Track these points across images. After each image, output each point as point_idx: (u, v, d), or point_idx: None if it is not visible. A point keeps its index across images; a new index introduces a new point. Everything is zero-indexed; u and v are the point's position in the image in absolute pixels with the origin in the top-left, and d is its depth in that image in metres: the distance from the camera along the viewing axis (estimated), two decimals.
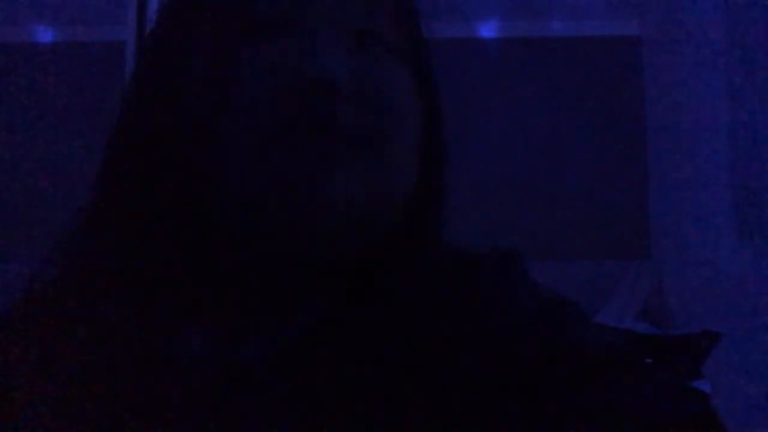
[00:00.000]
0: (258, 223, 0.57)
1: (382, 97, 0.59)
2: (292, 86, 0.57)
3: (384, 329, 0.56)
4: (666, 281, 2.27)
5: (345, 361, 0.55)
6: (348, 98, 0.57)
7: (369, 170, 0.58)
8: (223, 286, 0.59)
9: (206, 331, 0.58)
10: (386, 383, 0.54)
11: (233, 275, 0.59)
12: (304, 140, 0.56)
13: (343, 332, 0.57)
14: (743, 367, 2.02)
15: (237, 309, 0.59)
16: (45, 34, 2.46)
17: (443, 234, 0.65)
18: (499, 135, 2.43)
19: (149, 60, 0.63)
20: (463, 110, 2.44)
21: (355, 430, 0.53)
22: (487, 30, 2.46)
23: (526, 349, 0.57)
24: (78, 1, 2.49)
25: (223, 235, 0.58)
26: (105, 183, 0.62)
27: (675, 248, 2.27)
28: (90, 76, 2.38)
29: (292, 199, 0.56)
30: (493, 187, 2.39)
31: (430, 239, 0.64)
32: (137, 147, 0.60)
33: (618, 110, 2.41)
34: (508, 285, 0.63)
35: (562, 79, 2.44)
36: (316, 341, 0.57)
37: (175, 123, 0.59)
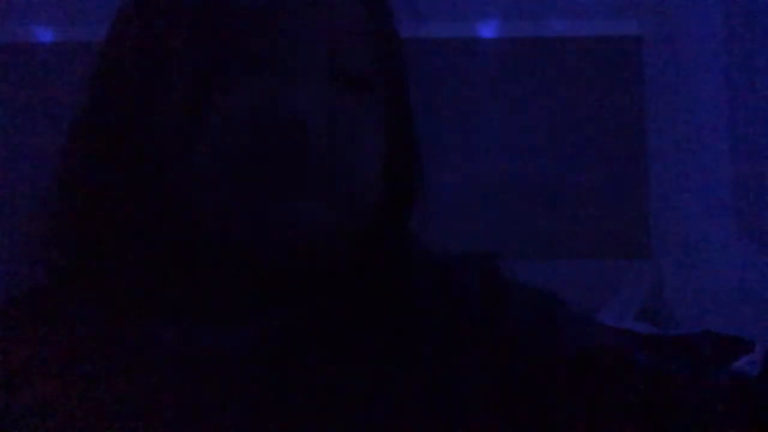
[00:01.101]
0: (224, 243, 0.59)
1: (351, 132, 0.61)
2: (264, 125, 0.58)
3: (358, 326, 0.59)
4: (666, 281, 2.27)
5: (318, 353, 0.57)
6: (319, 136, 0.58)
7: (333, 200, 0.60)
8: (195, 282, 0.60)
9: (178, 321, 0.59)
10: (358, 376, 0.56)
11: (205, 273, 0.60)
12: (272, 175, 0.58)
13: (317, 326, 0.58)
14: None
15: (209, 301, 0.60)
16: (45, 34, 2.46)
17: (419, 238, 0.68)
18: (499, 135, 2.43)
19: (119, 71, 0.63)
20: (463, 110, 2.44)
21: (328, 420, 0.54)
22: (487, 30, 2.46)
23: (505, 349, 0.59)
24: (78, 1, 2.49)
25: (191, 244, 0.59)
26: (69, 186, 0.63)
27: (675, 248, 2.27)
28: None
29: (256, 228, 0.58)
30: (492, 187, 2.39)
31: (402, 243, 0.67)
32: (103, 154, 0.61)
33: (618, 110, 2.41)
34: (480, 286, 0.65)
35: (562, 79, 2.44)
36: (291, 333, 0.59)
37: (145, 140, 0.60)
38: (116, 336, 0.58)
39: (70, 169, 0.63)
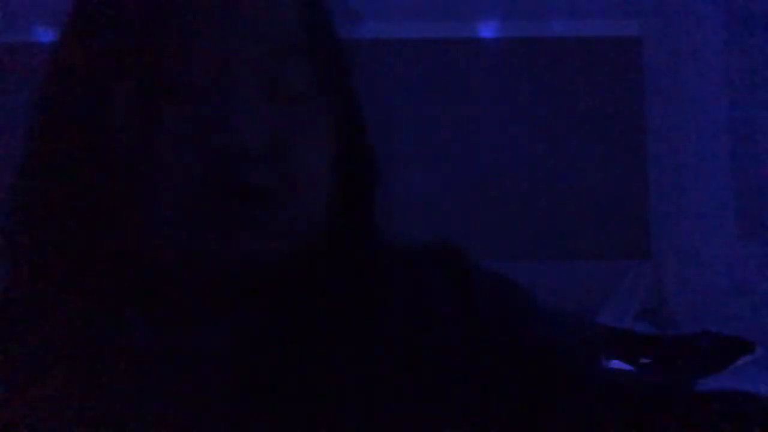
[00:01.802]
0: (175, 260, 0.58)
1: (295, 152, 0.60)
2: (205, 152, 0.57)
3: (323, 319, 0.59)
4: (666, 281, 2.27)
5: (291, 349, 0.57)
6: (261, 161, 0.57)
7: (278, 221, 0.58)
8: (163, 284, 0.60)
9: (151, 319, 0.59)
10: (327, 369, 0.56)
11: (169, 277, 0.60)
12: (214, 203, 0.57)
13: (289, 323, 0.59)
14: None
15: (180, 299, 0.61)
16: (45, 34, 2.46)
17: (381, 234, 0.67)
18: (499, 135, 2.43)
19: (62, 87, 0.63)
20: (463, 110, 2.44)
21: (301, 414, 0.55)
22: (487, 30, 2.46)
23: (470, 338, 0.59)
24: None
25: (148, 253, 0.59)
26: (21, 193, 0.63)
27: (675, 248, 2.27)
28: None
29: (203, 260, 0.57)
30: (492, 187, 2.39)
31: (362, 243, 0.66)
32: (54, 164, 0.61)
33: (618, 110, 2.41)
34: (443, 276, 0.65)
35: (562, 79, 2.44)
36: (264, 329, 0.59)
37: (94, 154, 0.59)
38: (87, 329, 0.57)
39: (22, 176, 0.64)
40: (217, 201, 0.57)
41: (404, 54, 2.39)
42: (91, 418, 0.54)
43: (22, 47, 2.45)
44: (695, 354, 1.76)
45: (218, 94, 0.58)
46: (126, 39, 0.60)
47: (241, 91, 0.58)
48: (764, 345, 1.98)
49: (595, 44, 2.44)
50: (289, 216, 0.59)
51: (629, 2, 2.45)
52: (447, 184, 2.37)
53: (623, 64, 2.42)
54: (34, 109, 0.63)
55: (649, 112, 2.36)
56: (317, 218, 0.61)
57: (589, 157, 2.41)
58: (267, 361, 0.58)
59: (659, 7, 2.32)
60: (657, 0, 2.33)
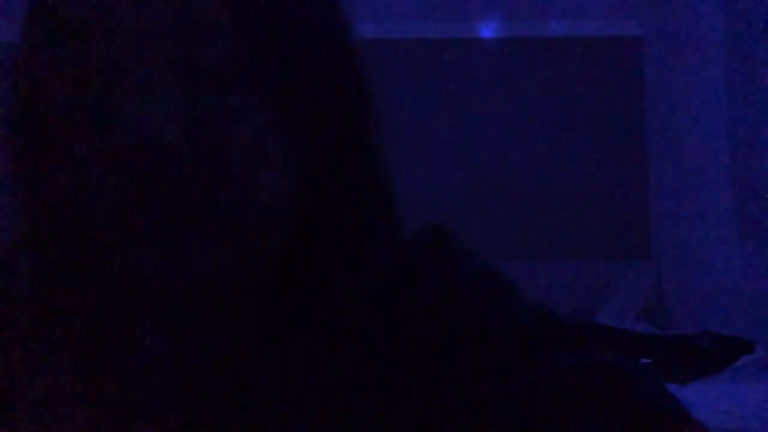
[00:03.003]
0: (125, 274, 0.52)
1: (229, 147, 0.50)
2: (117, 149, 0.51)
3: (323, 308, 0.54)
4: (666, 281, 2.27)
5: (296, 356, 0.54)
6: (181, 157, 0.49)
7: (216, 231, 0.52)
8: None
9: (158, 330, 0.57)
10: (332, 372, 0.53)
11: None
12: (136, 208, 0.50)
13: (294, 327, 0.56)
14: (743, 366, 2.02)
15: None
16: None
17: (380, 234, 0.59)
18: (499, 135, 2.43)
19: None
20: (464, 110, 2.44)
21: (303, 419, 0.52)
22: (487, 30, 2.46)
23: (460, 323, 0.56)
24: None
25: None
26: None
27: (675, 248, 2.27)
28: None
29: (142, 279, 0.50)
30: (492, 187, 2.39)
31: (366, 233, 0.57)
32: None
33: (618, 110, 2.41)
34: (438, 259, 0.60)
35: (562, 79, 2.44)
36: (270, 337, 0.57)
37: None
38: (95, 339, 0.56)
39: None
40: (135, 204, 0.51)
41: (404, 54, 2.39)
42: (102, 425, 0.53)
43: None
44: (695, 354, 1.76)
45: (119, 83, 0.50)
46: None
47: (146, 78, 0.50)
48: (764, 345, 1.98)
49: (595, 44, 2.44)
50: (235, 226, 0.51)
51: (629, 2, 2.45)
52: (447, 184, 2.37)
53: (623, 63, 2.42)
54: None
55: (649, 111, 2.36)
56: (282, 226, 0.53)
57: (589, 157, 2.41)
58: (275, 369, 0.56)
59: (659, 7, 2.32)
60: (657, 0, 2.34)
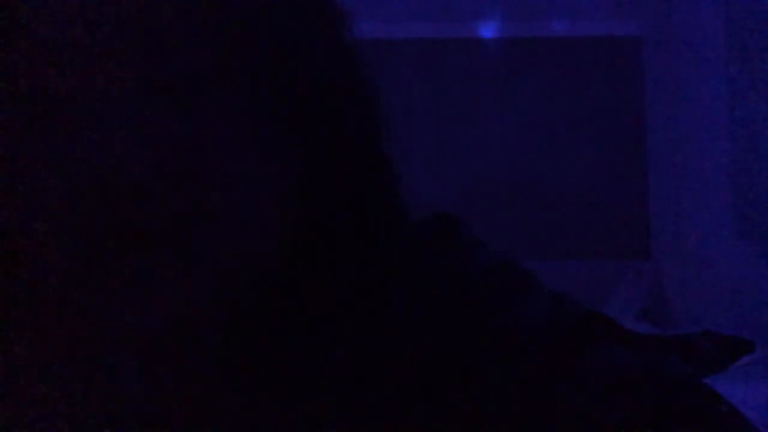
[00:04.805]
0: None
1: (200, 175, 0.45)
2: (80, 187, 0.44)
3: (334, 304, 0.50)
4: (666, 281, 2.27)
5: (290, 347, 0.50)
6: (146, 192, 0.44)
7: (195, 271, 0.45)
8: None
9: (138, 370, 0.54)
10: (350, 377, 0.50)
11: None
12: (102, 251, 0.45)
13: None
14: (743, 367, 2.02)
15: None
16: None
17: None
18: (499, 135, 2.43)
19: None
20: (464, 110, 2.44)
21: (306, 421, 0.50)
22: (487, 30, 2.46)
23: (472, 314, 0.53)
24: None
25: None
26: None
27: (675, 248, 2.27)
28: None
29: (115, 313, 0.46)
30: (491, 187, 2.39)
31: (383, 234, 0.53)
32: None
33: (618, 110, 2.41)
34: (447, 248, 0.57)
35: (562, 79, 2.44)
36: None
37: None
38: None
39: None
40: (102, 247, 0.44)
41: (404, 54, 2.39)
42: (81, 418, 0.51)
43: None
44: (695, 354, 1.76)
45: (72, 105, 0.44)
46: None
47: (102, 98, 0.43)
48: (764, 345, 1.98)
49: (595, 44, 2.44)
50: (218, 265, 0.45)
51: (629, 2, 2.45)
52: (446, 184, 2.37)
53: (623, 63, 2.42)
54: None
55: (649, 111, 2.36)
56: (274, 251, 0.47)
57: (589, 157, 2.41)
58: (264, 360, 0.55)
59: (659, 7, 2.32)
60: (657, 0, 2.34)
